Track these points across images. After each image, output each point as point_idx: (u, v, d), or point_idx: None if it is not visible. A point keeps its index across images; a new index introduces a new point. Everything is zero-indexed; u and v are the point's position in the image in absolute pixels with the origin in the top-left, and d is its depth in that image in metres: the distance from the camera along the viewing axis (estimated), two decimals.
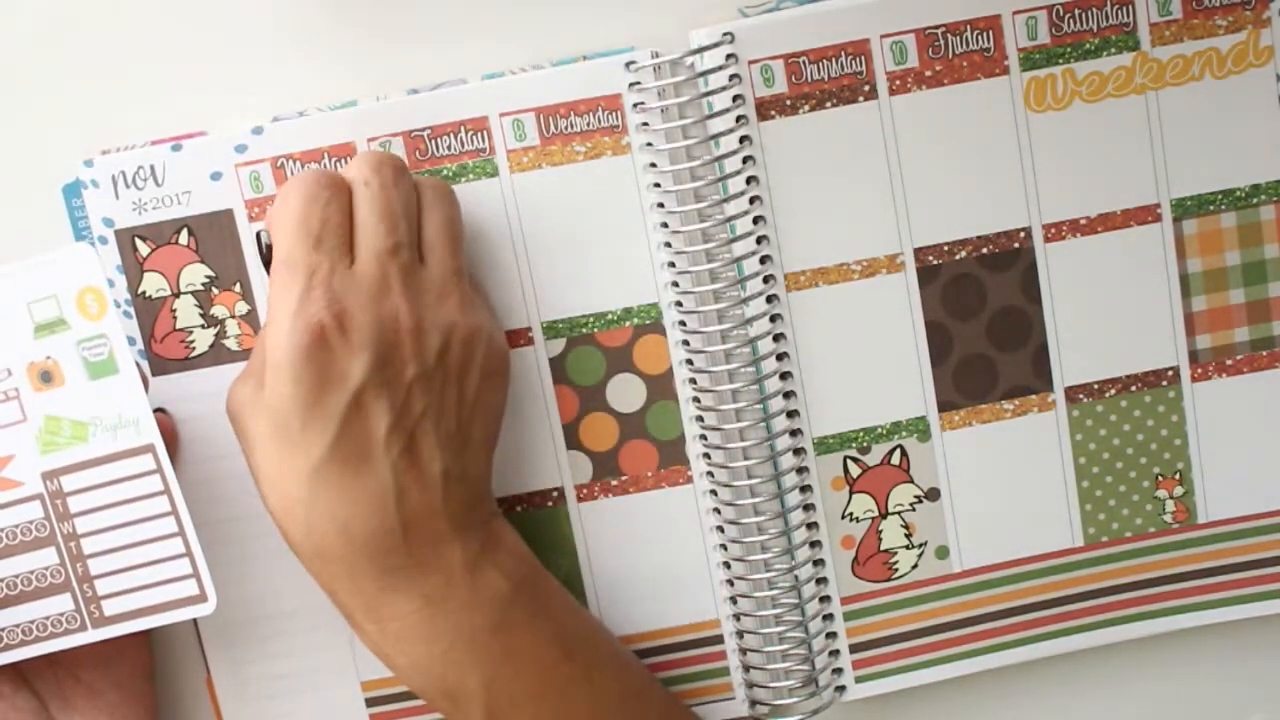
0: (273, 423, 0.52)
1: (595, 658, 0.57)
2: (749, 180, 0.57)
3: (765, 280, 0.58)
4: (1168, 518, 0.60)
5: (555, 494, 0.59)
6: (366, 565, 0.52)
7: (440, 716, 0.60)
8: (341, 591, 0.53)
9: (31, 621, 0.54)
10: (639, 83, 0.56)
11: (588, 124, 0.57)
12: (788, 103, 0.57)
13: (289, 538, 0.53)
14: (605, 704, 0.56)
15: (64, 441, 0.53)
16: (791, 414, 0.59)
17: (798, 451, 0.59)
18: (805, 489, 0.59)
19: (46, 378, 0.53)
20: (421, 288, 0.53)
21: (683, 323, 0.58)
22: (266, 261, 0.55)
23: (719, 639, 0.60)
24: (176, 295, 0.57)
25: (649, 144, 0.57)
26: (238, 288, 0.58)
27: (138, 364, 0.55)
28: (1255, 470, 0.60)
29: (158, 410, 0.57)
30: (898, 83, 0.57)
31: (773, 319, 0.58)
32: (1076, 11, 0.57)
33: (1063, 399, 0.59)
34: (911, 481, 0.60)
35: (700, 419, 0.59)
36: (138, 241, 0.57)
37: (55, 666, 0.56)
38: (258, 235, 0.56)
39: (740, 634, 0.60)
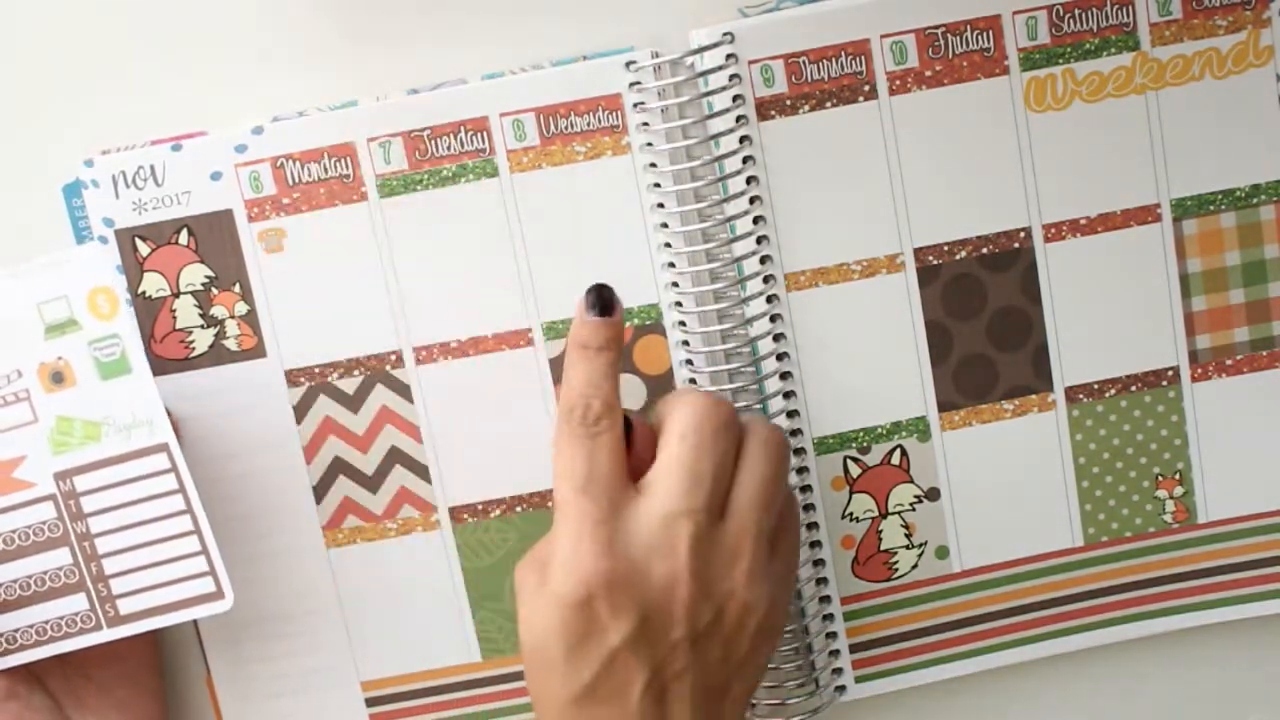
0: (538, 642, 0.52)
1: None
2: (749, 180, 0.57)
3: (765, 280, 0.58)
4: (1168, 518, 0.60)
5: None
6: None
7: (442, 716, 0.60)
8: None
9: (46, 622, 0.55)
10: (639, 83, 0.56)
11: (588, 124, 0.57)
12: (788, 103, 0.57)
13: None
14: None
15: (76, 442, 0.53)
16: (791, 414, 0.59)
17: (798, 451, 0.59)
18: (805, 489, 0.59)
19: (58, 378, 0.53)
20: (711, 552, 0.52)
21: (683, 323, 0.58)
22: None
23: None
24: (176, 295, 0.57)
25: (649, 144, 0.57)
26: (237, 288, 0.58)
27: None
28: (1255, 470, 0.60)
29: None
30: (898, 83, 0.57)
31: (773, 319, 0.58)
32: (1076, 11, 0.57)
33: (1063, 399, 0.59)
34: (911, 481, 0.60)
35: None
36: (138, 241, 0.57)
37: (66, 665, 0.57)
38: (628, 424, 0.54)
39: None
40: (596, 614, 0.50)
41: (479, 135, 0.57)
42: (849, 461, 0.59)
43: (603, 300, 0.54)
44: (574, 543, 0.51)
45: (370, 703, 0.60)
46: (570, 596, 0.50)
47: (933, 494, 0.60)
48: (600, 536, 0.51)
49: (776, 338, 0.58)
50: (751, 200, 0.57)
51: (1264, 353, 0.60)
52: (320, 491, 0.59)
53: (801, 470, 0.59)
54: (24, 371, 0.53)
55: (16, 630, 0.55)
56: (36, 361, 0.53)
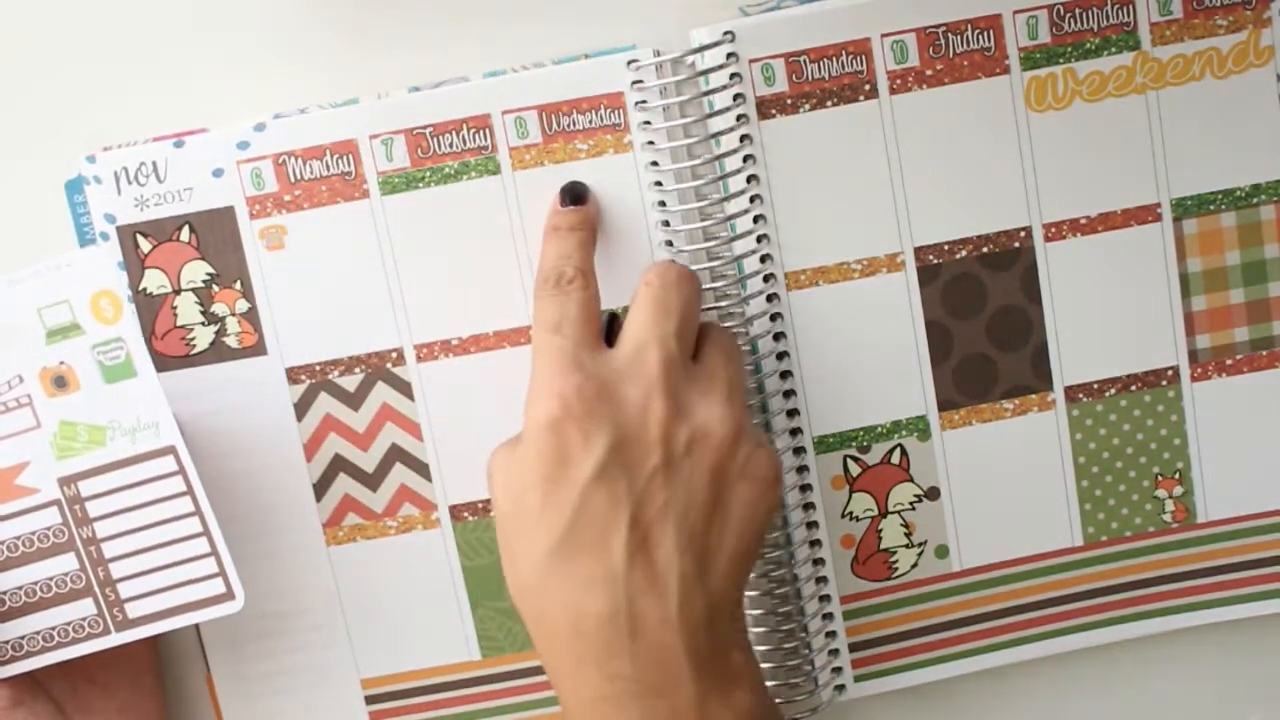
0: (514, 499, 0.51)
1: None
2: (749, 179, 0.57)
3: (765, 279, 0.58)
4: (1167, 517, 0.60)
5: None
6: (592, 665, 0.49)
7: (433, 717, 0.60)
8: (566, 682, 0.50)
9: (53, 628, 0.54)
10: (641, 81, 0.57)
11: (590, 122, 0.57)
12: (788, 101, 0.57)
13: (524, 619, 0.52)
14: None
15: (80, 446, 0.53)
16: (791, 413, 0.59)
17: (798, 450, 0.59)
18: (805, 488, 0.59)
19: (60, 383, 0.53)
20: (684, 378, 0.52)
21: None
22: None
23: None
24: (177, 292, 0.58)
25: (650, 142, 0.57)
26: (238, 285, 0.58)
27: None
28: (1255, 470, 0.60)
29: None
30: (898, 82, 0.57)
31: (773, 318, 0.58)
32: (1077, 11, 0.57)
33: (1063, 398, 0.59)
34: (911, 480, 0.60)
35: None
36: (139, 238, 0.57)
37: (68, 670, 0.56)
38: (612, 316, 0.56)
39: None
40: (568, 439, 0.50)
41: (481, 133, 0.57)
42: (849, 460, 0.60)
43: (575, 194, 0.56)
44: (545, 372, 0.51)
45: (370, 700, 0.60)
46: (542, 419, 0.50)
47: (932, 493, 0.60)
48: (571, 361, 0.51)
49: (776, 337, 0.58)
50: (752, 199, 0.57)
51: (1264, 353, 0.60)
52: (320, 489, 0.59)
53: (801, 469, 0.59)
54: (25, 377, 0.53)
55: (23, 637, 0.55)
56: (38, 366, 0.53)
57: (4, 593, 0.54)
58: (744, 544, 0.51)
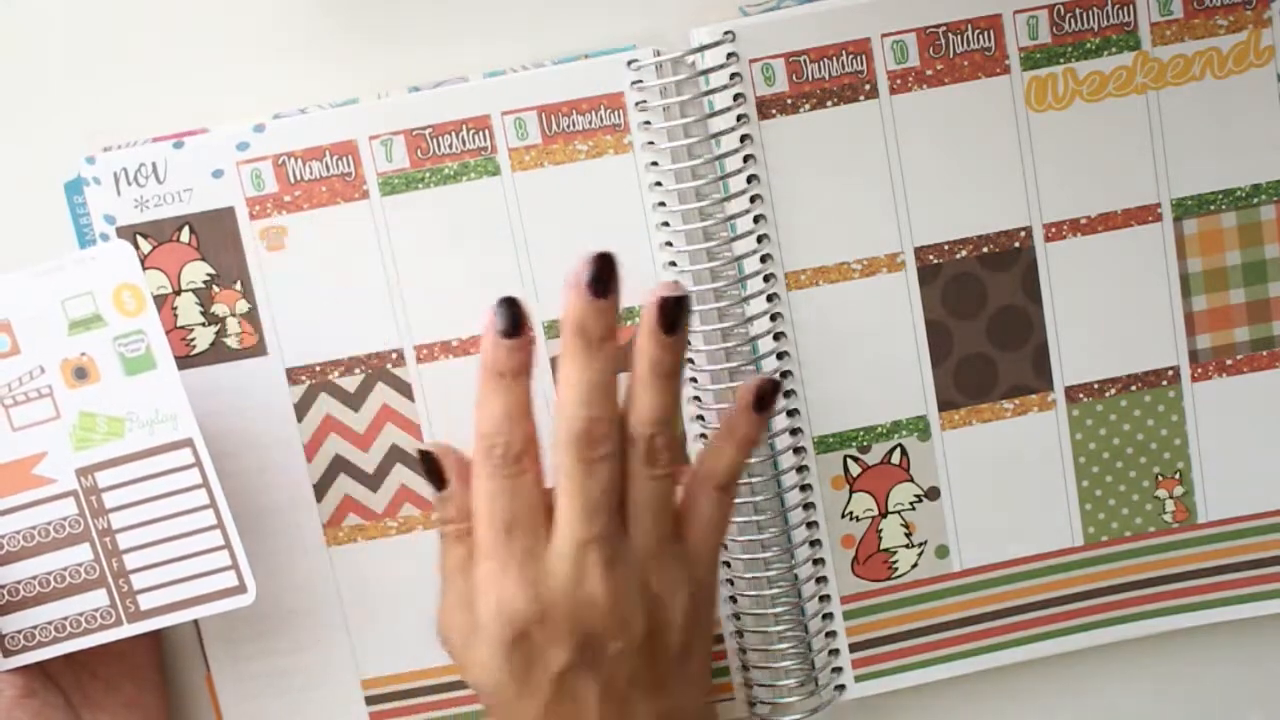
0: (489, 684, 0.52)
1: None
2: (750, 179, 0.57)
3: (766, 279, 0.58)
4: (1168, 517, 0.60)
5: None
6: None
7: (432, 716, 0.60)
8: None
9: (65, 618, 0.55)
10: (641, 81, 0.56)
11: (590, 122, 0.57)
12: (788, 101, 0.57)
13: None
14: None
15: (99, 437, 0.54)
16: (791, 413, 0.59)
17: (798, 450, 0.59)
18: (805, 488, 0.59)
19: (81, 374, 0.53)
20: (622, 563, 0.52)
21: None
22: (430, 474, 0.54)
23: (718, 638, 0.60)
24: (177, 293, 0.58)
25: (650, 142, 0.57)
26: (238, 286, 0.58)
27: None
28: (1255, 470, 0.60)
29: None
30: (899, 82, 0.57)
31: (773, 318, 0.58)
32: (1077, 11, 0.57)
33: (1063, 398, 0.59)
34: (911, 480, 0.60)
35: (700, 419, 0.59)
36: (139, 239, 0.57)
37: (73, 664, 0.57)
38: (422, 455, 0.54)
39: (740, 633, 0.60)
40: (534, 645, 0.51)
41: (481, 133, 0.57)
42: (849, 460, 0.60)
43: (513, 317, 0.52)
44: (499, 585, 0.51)
45: (370, 701, 0.60)
46: (505, 637, 0.51)
47: (933, 493, 0.60)
48: (526, 576, 0.51)
49: (776, 336, 0.58)
50: (752, 199, 0.57)
51: (1264, 353, 0.60)
52: (321, 490, 0.59)
53: (801, 469, 0.59)
54: (46, 368, 0.53)
55: (35, 627, 0.55)
56: (59, 358, 0.53)
57: (18, 582, 0.54)
58: (706, 649, 0.56)
